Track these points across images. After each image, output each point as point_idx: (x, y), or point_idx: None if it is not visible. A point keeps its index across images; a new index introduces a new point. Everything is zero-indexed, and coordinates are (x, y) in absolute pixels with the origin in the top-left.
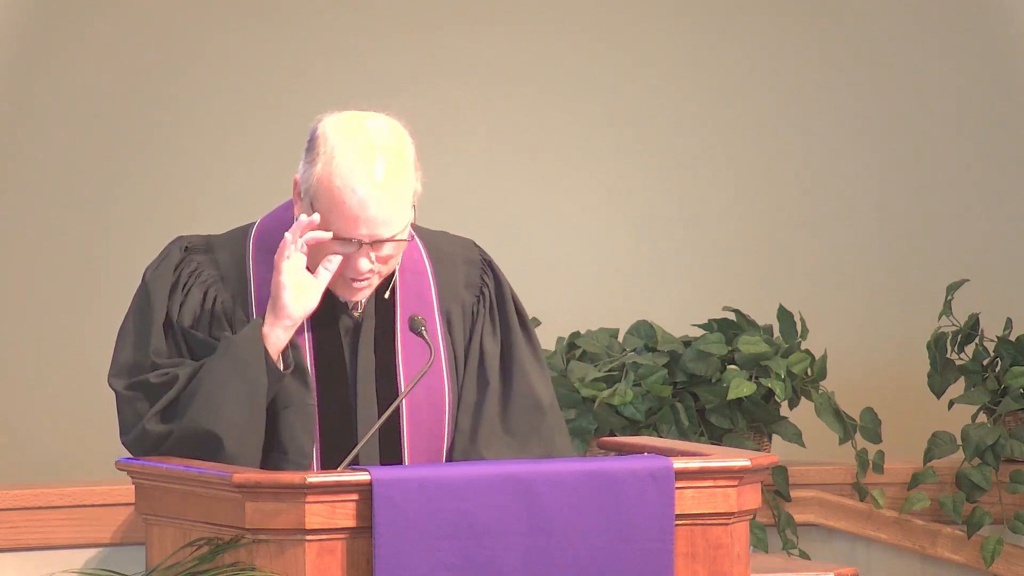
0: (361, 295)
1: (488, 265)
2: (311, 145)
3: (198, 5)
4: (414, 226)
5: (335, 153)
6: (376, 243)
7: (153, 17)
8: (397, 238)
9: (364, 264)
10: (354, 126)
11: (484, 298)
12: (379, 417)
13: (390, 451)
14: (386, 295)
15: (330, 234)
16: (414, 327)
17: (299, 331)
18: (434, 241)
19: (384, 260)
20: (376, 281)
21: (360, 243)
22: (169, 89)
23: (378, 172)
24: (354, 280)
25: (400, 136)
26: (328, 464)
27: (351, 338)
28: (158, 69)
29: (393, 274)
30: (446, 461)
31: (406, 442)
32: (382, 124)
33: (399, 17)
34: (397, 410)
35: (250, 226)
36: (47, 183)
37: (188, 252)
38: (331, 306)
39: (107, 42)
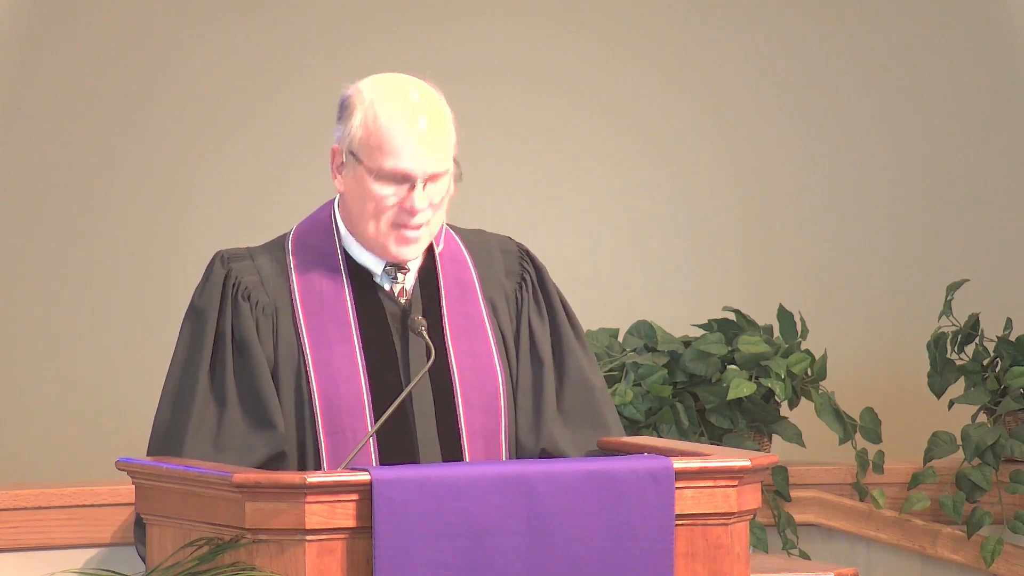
0: (413, 249)
1: (526, 254)
2: (345, 105)
3: (197, 2)
4: (449, 225)
5: (376, 98)
6: (429, 178)
7: (153, 14)
8: (443, 178)
9: (421, 199)
10: (388, 79)
11: (526, 284)
12: (434, 404)
13: (448, 434)
14: (438, 248)
15: None
16: (414, 328)
17: (344, 321)
18: (470, 235)
19: (435, 205)
20: (425, 237)
21: (413, 180)
22: (168, 86)
23: (421, 109)
24: (405, 227)
25: (432, 89)
26: (386, 451)
27: (399, 324)
28: (157, 66)
29: (433, 253)
30: (511, 442)
31: (463, 424)
32: (414, 79)
33: (401, 14)
34: (451, 386)
35: (287, 233)
36: (44, 182)
37: (229, 262)
38: (376, 294)
39: (104, 40)
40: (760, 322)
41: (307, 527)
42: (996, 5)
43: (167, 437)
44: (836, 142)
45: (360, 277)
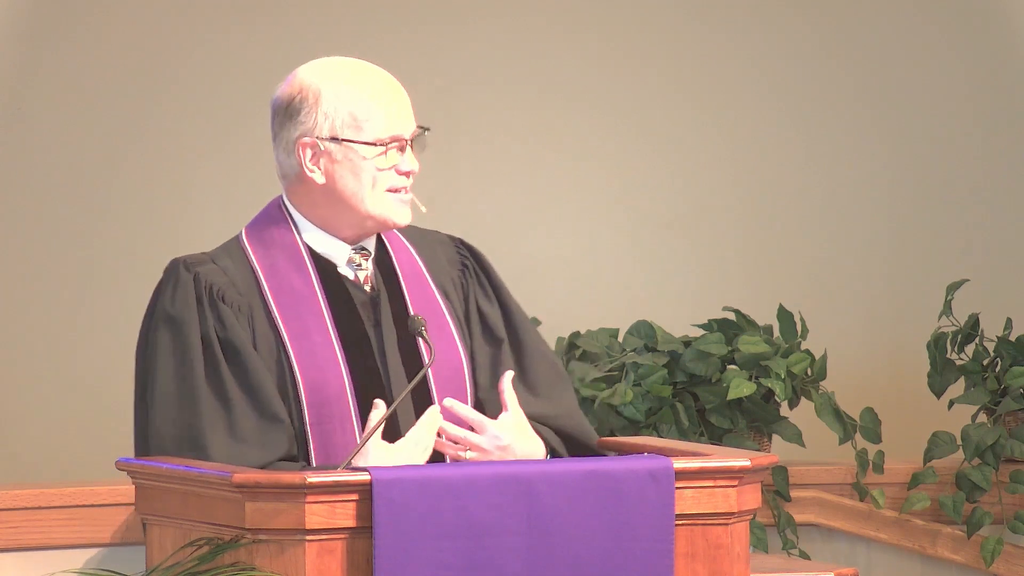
0: (409, 211)
1: (461, 242)
2: (300, 100)
3: (197, 2)
4: None
5: (338, 80)
6: (414, 135)
7: (153, 14)
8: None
9: (412, 158)
10: (326, 63)
11: (468, 269)
12: (411, 393)
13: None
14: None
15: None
16: (414, 327)
17: (318, 312)
18: (407, 231)
19: (416, 165)
20: (410, 198)
21: (403, 142)
22: (168, 86)
23: (381, 75)
24: (401, 190)
25: None
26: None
27: (370, 312)
28: (157, 66)
29: (384, 243)
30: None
31: (440, 413)
32: (342, 57)
33: (401, 15)
34: (425, 379)
35: (236, 236)
36: (45, 182)
37: (193, 267)
38: (343, 283)
39: (104, 40)
40: (760, 322)
41: (307, 527)
42: (996, 5)
43: (181, 443)
44: (836, 142)
45: (324, 269)
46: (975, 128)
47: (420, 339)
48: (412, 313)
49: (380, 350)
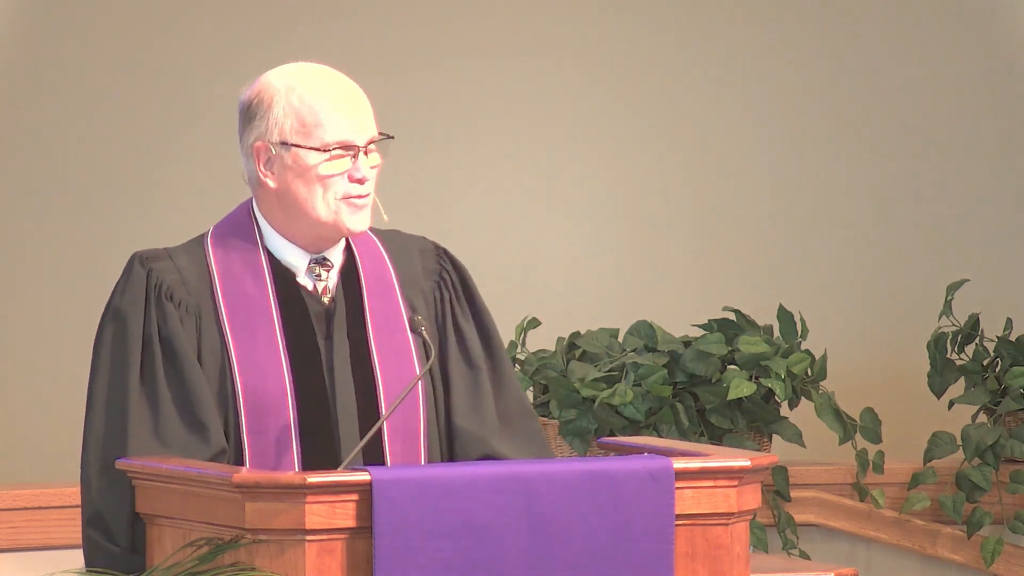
0: (365, 218)
1: (444, 252)
2: (255, 103)
3: (196, 2)
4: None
5: (293, 84)
6: (368, 144)
7: (152, 12)
8: (377, 144)
9: (365, 165)
10: (289, 67)
11: (446, 282)
12: (356, 401)
13: (369, 432)
14: (356, 247)
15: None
16: (415, 327)
17: (268, 320)
18: (387, 235)
19: (371, 173)
20: (369, 207)
21: (356, 149)
22: (167, 86)
23: (340, 80)
24: (355, 197)
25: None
26: (308, 449)
27: (323, 324)
28: (156, 65)
29: (353, 251)
30: (432, 443)
31: (385, 423)
32: (307, 62)
33: (396, 16)
34: (373, 385)
35: (204, 234)
36: (43, 181)
37: (148, 263)
38: (299, 293)
39: (103, 39)
40: (760, 322)
41: (307, 527)
42: (996, 4)
43: (107, 446)
44: (836, 141)
45: (283, 277)
46: (976, 127)
47: (417, 341)
48: (369, 325)
49: (328, 363)
